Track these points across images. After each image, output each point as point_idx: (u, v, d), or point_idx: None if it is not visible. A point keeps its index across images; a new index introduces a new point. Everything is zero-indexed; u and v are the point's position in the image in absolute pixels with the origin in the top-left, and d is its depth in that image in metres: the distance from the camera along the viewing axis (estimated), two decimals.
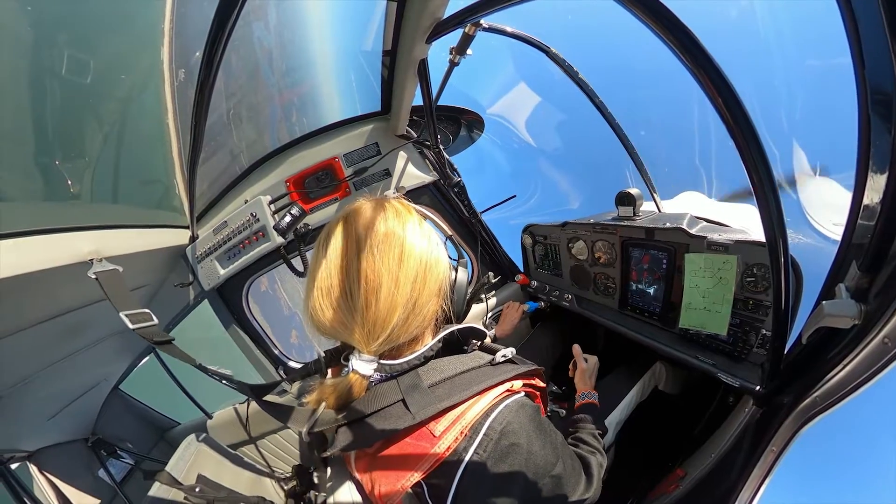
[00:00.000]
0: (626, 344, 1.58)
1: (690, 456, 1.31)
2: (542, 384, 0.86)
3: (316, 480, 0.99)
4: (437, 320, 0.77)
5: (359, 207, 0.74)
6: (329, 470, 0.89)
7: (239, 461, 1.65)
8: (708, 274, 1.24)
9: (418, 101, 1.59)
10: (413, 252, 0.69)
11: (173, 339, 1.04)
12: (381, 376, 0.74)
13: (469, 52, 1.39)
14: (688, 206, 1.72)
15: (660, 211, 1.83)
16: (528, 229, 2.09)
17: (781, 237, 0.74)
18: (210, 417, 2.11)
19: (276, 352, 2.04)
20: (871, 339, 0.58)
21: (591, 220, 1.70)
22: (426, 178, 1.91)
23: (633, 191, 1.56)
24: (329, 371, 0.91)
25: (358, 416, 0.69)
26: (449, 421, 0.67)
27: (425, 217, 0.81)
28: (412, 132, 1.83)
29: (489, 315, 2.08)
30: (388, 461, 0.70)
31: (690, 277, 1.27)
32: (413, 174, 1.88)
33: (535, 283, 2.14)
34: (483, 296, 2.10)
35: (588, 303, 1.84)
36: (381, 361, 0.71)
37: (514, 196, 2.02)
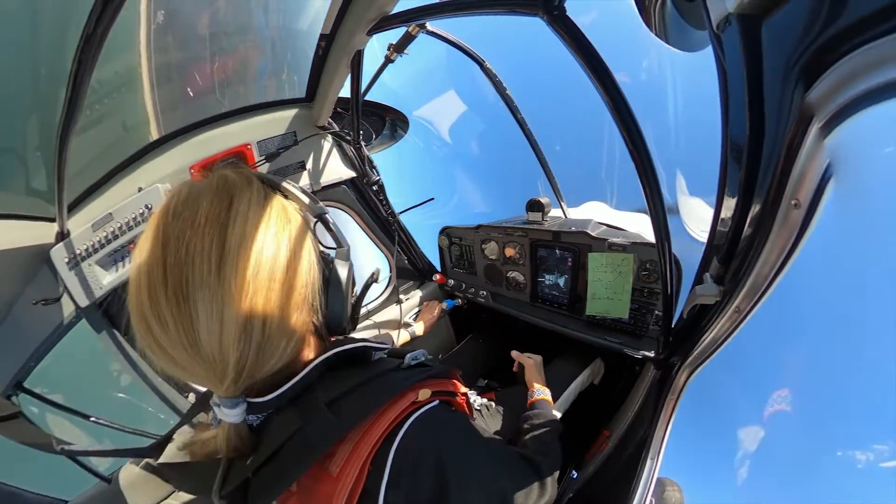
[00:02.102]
0: (561, 342, 1.84)
1: (612, 418, 1.64)
2: (461, 388, 0.80)
3: None
4: (316, 330, 0.63)
5: (176, 190, 0.57)
6: None
7: None
8: (609, 269, 1.55)
9: (345, 92, 1.58)
10: (248, 249, 0.51)
11: (19, 414, 0.81)
12: (259, 417, 0.60)
13: (407, 51, 1.46)
14: (591, 214, 2.11)
15: (566, 217, 2.20)
16: (444, 231, 2.27)
17: (666, 240, 1.03)
18: (108, 482, 1.47)
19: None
20: (728, 310, 0.87)
21: (503, 224, 1.94)
22: (344, 174, 1.89)
23: (543, 199, 1.83)
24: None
25: (259, 463, 0.56)
26: (345, 455, 0.57)
27: (277, 191, 0.62)
28: (334, 124, 1.79)
29: (409, 315, 2.17)
30: None
31: (594, 273, 1.57)
32: (330, 169, 1.86)
33: (451, 281, 2.33)
34: (400, 296, 2.18)
35: (502, 298, 2.10)
36: (252, 400, 0.57)
37: (433, 199, 2.16)
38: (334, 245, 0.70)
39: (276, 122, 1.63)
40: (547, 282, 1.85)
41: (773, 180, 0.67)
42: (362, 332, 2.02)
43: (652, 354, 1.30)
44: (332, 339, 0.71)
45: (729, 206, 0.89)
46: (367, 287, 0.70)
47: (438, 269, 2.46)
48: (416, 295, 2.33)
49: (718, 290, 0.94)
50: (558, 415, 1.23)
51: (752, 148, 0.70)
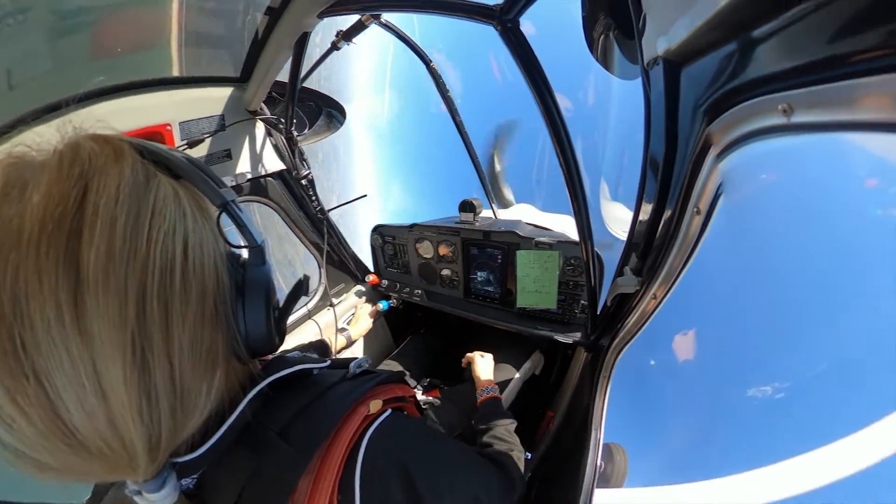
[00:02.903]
0: (497, 336, 1.98)
1: (553, 399, 1.82)
2: (409, 391, 0.79)
3: None
4: (237, 354, 0.50)
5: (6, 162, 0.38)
6: None
7: None
8: (537, 265, 1.71)
9: (282, 76, 1.50)
10: (120, 266, 0.35)
11: None
12: (193, 479, 0.50)
13: (355, 41, 1.44)
14: (520, 215, 2.31)
15: (496, 217, 2.37)
16: (377, 230, 2.27)
17: (589, 239, 1.21)
18: None
19: None
20: (646, 297, 1.06)
21: (437, 224, 2.03)
22: (273, 166, 1.80)
23: (475, 200, 1.95)
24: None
25: None
26: (307, 488, 0.51)
27: (165, 168, 0.46)
28: (266, 109, 1.68)
29: (343, 320, 2.15)
30: None
31: (522, 268, 1.72)
32: (259, 160, 1.75)
33: (385, 282, 2.32)
34: (332, 300, 2.14)
35: (437, 296, 2.17)
36: (182, 460, 0.47)
37: (365, 195, 2.15)
38: (245, 243, 0.54)
39: (204, 102, 1.47)
40: (479, 278, 1.98)
41: (681, 191, 0.85)
42: (293, 340, 1.93)
43: (581, 339, 1.50)
44: (260, 360, 0.60)
45: (646, 210, 1.08)
46: (294, 295, 0.59)
47: (371, 269, 2.44)
48: (350, 298, 2.29)
49: (637, 281, 1.14)
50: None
51: (666, 164, 0.88)
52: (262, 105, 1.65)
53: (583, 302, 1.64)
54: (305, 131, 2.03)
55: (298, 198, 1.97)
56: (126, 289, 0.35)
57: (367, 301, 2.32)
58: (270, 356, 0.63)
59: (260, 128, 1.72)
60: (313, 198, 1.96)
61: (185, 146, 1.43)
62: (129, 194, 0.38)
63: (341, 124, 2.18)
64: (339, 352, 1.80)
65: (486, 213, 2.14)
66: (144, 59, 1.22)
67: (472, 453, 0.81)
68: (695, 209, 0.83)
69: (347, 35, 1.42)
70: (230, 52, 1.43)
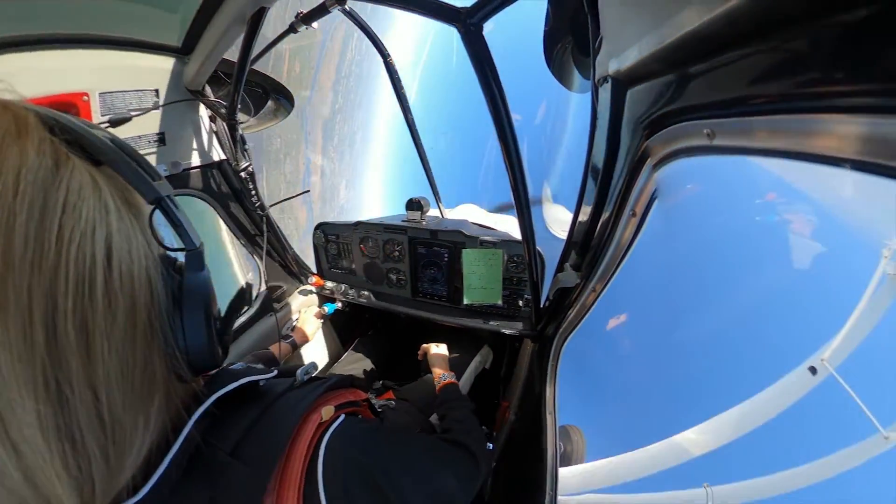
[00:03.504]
0: (446, 333, 2.02)
1: (506, 390, 1.90)
2: (361, 395, 0.79)
3: None
4: (176, 372, 0.45)
5: None
6: None
7: None
8: (482, 263, 1.81)
9: (231, 55, 1.38)
10: (22, 277, 0.29)
11: None
12: None
13: (315, 25, 1.38)
14: (466, 215, 2.40)
15: (443, 216, 2.43)
16: (320, 227, 2.19)
17: (532, 238, 1.32)
18: None
19: None
20: (586, 291, 1.19)
21: (383, 222, 2.02)
22: (212, 155, 1.67)
23: (422, 199, 1.98)
24: None
25: None
26: None
27: (80, 148, 0.37)
28: (209, 91, 1.55)
29: (286, 326, 2.06)
30: None
31: (468, 266, 1.81)
32: (196, 148, 1.60)
33: (329, 283, 2.25)
34: (274, 305, 2.04)
35: (384, 296, 2.16)
36: None
37: (308, 191, 2.07)
38: (179, 245, 0.48)
39: (134, 72, 1.27)
40: (426, 277, 2.01)
41: (619, 196, 0.97)
42: (234, 350, 1.80)
43: (528, 331, 1.62)
44: (202, 377, 0.55)
45: (585, 212, 1.21)
46: (237, 303, 0.55)
47: (314, 270, 2.35)
48: (293, 302, 2.18)
49: (577, 276, 1.27)
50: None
51: (606, 171, 0.99)
52: (206, 85, 1.50)
53: (526, 296, 1.77)
54: (250, 118, 1.89)
55: (237, 192, 1.82)
56: (30, 307, 0.28)
57: (312, 304, 2.23)
58: (213, 371, 0.57)
59: (201, 111, 1.56)
60: (253, 192, 1.83)
61: (107, 124, 1.24)
62: (32, 183, 0.30)
63: (288, 113, 2.06)
64: (284, 360, 1.71)
65: (432, 212, 2.18)
66: (62, 6, 1.02)
67: (435, 441, 0.84)
68: (631, 212, 0.96)
69: (307, 18, 1.35)
70: (173, 16, 1.23)
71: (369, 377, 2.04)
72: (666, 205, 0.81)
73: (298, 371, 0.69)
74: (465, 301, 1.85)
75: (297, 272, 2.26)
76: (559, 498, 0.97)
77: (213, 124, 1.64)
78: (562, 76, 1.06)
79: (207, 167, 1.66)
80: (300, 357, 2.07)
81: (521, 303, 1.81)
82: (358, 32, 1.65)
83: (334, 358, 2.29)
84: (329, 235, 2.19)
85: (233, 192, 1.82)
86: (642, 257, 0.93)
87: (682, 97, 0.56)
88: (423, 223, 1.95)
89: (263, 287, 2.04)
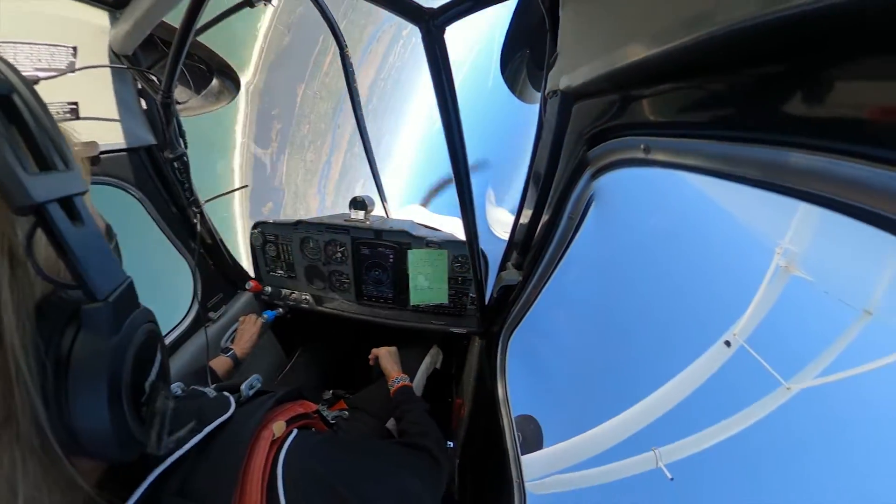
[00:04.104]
0: (393, 336, 1.97)
1: (459, 387, 1.91)
2: (311, 406, 0.78)
3: None
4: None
5: None
6: None
7: None
8: (427, 263, 1.84)
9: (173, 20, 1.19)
10: None
11: None
12: None
13: (273, 2, 1.28)
14: (411, 215, 2.41)
15: (388, 216, 2.41)
16: (258, 227, 2.05)
17: (475, 238, 1.38)
18: None
19: None
20: (528, 288, 1.28)
21: (325, 221, 1.94)
22: (139, 138, 1.43)
23: (366, 197, 1.94)
24: None
25: None
26: None
27: None
28: (142, 58, 1.33)
29: (225, 338, 1.88)
30: None
31: (414, 267, 1.82)
32: (119, 125, 1.36)
33: (269, 288, 2.11)
34: (210, 314, 1.86)
35: (327, 300, 2.08)
36: None
37: (247, 186, 1.91)
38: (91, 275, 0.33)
39: (46, 20, 1.03)
40: (371, 279, 1.98)
41: (558, 201, 1.07)
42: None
43: (475, 328, 1.68)
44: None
45: (527, 215, 1.30)
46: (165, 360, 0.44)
47: (252, 274, 2.17)
48: (230, 310, 1.98)
49: (519, 274, 1.36)
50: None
51: (548, 177, 1.09)
52: (139, 51, 1.27)
53: (472, 295, 1.84)
54: (189, 99, 1.64)
55: (168, 184, 1.58)
56: None
57: (251, 312, 2.03)
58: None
59: (129, 82, 1.32)
60: (186, 185, 1.61)
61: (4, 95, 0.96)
62: None
63: (233, 97, 1.83)
64: (225, 376, 1.56)
65: (377, 211, 2.15)
66: None
67: (393, 445, 0.84)
68: (569, 216, 1.07)
69: None
70: None
71: (318, 387, 1.94)
72: (601, 209, 0.91)
73: (242, 386, 0.66)
74: (412, 302, 1.85)
75: (234, 276, 2.06)
76: (526, 484, 1.03)
77: (142, 100, 1.40)
78: (513, 85, 1.13)
79: (133, 151, 1.41)
80: (242, 371, 1.88)
81: (467, 302, 1.87)
82: (403, 40, 1.55)
83: (279, 369, 2.12)
84: (268, 236, 2.03)
85: (163, 182, 1.58)
86: (579, 256, 1.04)
87: (624, 115, 0.65)
88: (368, 223, 1.90)
89: (198, 294, 1.82)
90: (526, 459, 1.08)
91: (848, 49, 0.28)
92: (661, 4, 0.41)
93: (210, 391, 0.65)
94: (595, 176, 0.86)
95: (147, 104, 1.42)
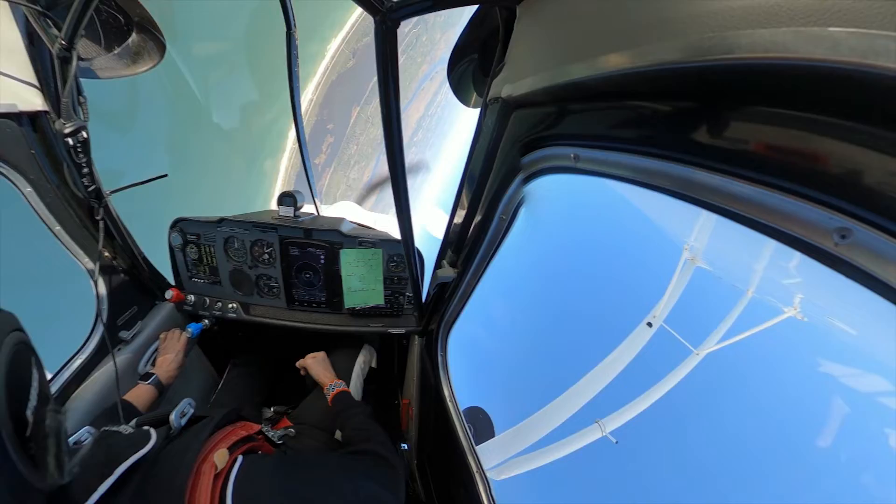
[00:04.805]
0: (328, 340, 1.86)
1: (403, 388, 1.84)
2: (254, 427, 0.75)
3: None
4: None
5: None
6: None
7: None
8: (361, 263, 1.78)
9: None
10: None
11: None
12: None
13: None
14: (344, 213, 2.32)
15: (319, 214, 2.28)
16: (177, 224, 1.80)
17: (410, 237, 1.40)
18: None
19: None
20: (462, 284, 1.33)
21: (251, 218, 1.77)
22: (19, 97, 1.12)
23: (295, 192, 1.82)
24: None
25: None
26: None
27: None
28: None
29: (144, 361, 1.60)
30: None
31: (347, 268, 1.75)
32: None
33: (192, 297, 1.85)
34: (121, 334, 1.56)
35: (256, 308, 1.90)
36: None
37: (166, 175, 1.63)
38: None
39: None
40: (301, 282, 1.86)
41: (491, 201, 1.13)
42: (75, 407, 1.28)
43: (414, 327, 1.67)
44: None
45: (461, 214, 1.35)
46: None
47: (172, 281, 1.87)
48: (147, 326, 1.67)
49: (454, 272, 1.41)
50: None
51: (482, 179, 1.15)
52: None
53: (408, 294, 1.83)
54: (96, 56, 1.27)
55: (60, 164, 1.24)
56: None
57: (173, 326, 1.74)
58: None
59: (10, 17, 1.00)
60: (86, 169, 1.27)
61: None
62: None
63: (155, 62, 1.47)
64: (147, 408, 1.31)
65: (308, 207, 2.00)
66: None
67: (342, 457, 0.81)
68: (502, 216, 1.14)
69: None
70: None
71: (256, 403, 1.76)
72: (531, 210, 1.00)
73: (172, 415, 0.60)
74: (347, 304, 1.76)
75: (150, 284, 1.73)
76: (487, 472, 1.07)
77: (31, 48, 1.07)
78: (457, 89, 1.16)
79: (9, 118, 1.07)
80: (170, 397, 1.59)
81: (403, 301, 1.85)
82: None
83: (212, 388, 1.86)
84: (188, 235, 1.77)
85: (53, 162, 1.23)
86: (510, 253, 1.12)
87: (559, 126, 0.72)
88: (297, 220, 1.76)
89: (102, 311, 1.47)
90: (482, 449, 1.12)
91: (737, 98, 0.37)
92: (605, 38, 0.47)
93: (126, 428, 0.56)
94: (527, 180, 0.94)
95: (37, 53, 1.10)
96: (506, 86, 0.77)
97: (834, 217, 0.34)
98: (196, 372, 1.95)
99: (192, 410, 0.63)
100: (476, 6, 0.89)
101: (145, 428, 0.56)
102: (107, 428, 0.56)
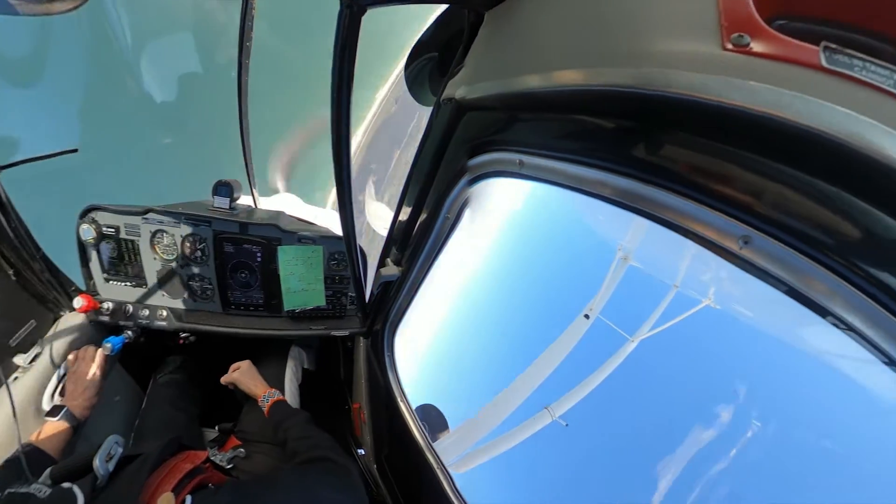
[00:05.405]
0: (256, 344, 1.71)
1: (352, 392, 1.74)
2: (200, 455, 0.73)
3: None
4: None
5: None
6: None
7: None
8: (300, 262, 1.67)
9: None
10: None
11: None
12: None
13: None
14: (283, 206, 2.14)
15: (256, 206, 2.09)
16: (89, 213, 1.50)
17: (353, 234, 1.37)
18: None
19: None
20: (407, 282, 1.33)
21: (182, 210, 1.57)
22: None
23: (234, 182, 1.64)
24: None
25: None
26: None
27: None
28: None
29: (48, 391, 1.31)
30: None
31: (285, 266, 1.63)
32: None
33: (108, 304, 1.56)
34: (14, 361, 1.28)
35: (188, 313, 1.67)
36: None
37: (76, 150, 1.38)
38: None
39: None
40: (237, 282, 1.68)
41: (437, 201, 1.15)
42: None
43: (358, 329, 1.61)
44: None
45: (406, 212, 1.35)
46: None
47: (82, 286, 1.55)
48: (51, 345, 1.37)
49: (399, 270, 1.40)
50: None
51: (428, 178, 1.16)
52: None
53: (351, 294, 1.76)
54: None
55: None
56: None
57: (85, 343, 1.44)
58: None
59: None
60: None
61: None
62: None
63: (75, 7, 1.15)
64: (60, 452, 1.07)
65: (245, 199, 1.81)
66: None
67: (295, 472, 0.77)
68: (447, 215, 1.16)
69: None
70: None
71: (197, 426, 1.55)
72: (473, 212, 1.04)
73: (96, 461, 0.49)
74: (286, 307, 1.64)
75: (53, 290, 1.41)
76: (448, 467, 1.06)
77: None
78: (412, 85, 1.14)
79: None
80: (87, 434, 1.31)
81: (346, 301, 1.76)
82: None
83: (140, 415, 1.56)
84: (105, 228, 1.48)
85: None
86: (452, 251, 1.16)
87: (508, 132, 0.75)
88: (233, 213, 1.58)
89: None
90: (439, 445, 1.13)
91: (671, 124, 0.43)
92: (563, 54, 0.50)
93: (39, 488, 0.45)
94: (473, 181, 0.97)
95: None
96: (461, 87, 0.79)
97: (739, 226, 0.41)
98: (121, 398, 1.66)
99: (120, 450, 0.53)
100: (446, 5, 0.89)
101: (65, 485, 0.46)
102: (12, 489, 0.45)
